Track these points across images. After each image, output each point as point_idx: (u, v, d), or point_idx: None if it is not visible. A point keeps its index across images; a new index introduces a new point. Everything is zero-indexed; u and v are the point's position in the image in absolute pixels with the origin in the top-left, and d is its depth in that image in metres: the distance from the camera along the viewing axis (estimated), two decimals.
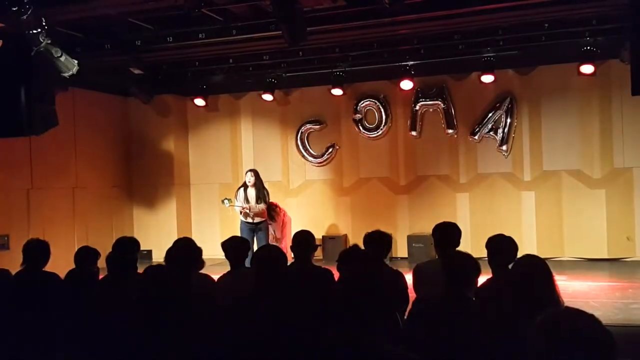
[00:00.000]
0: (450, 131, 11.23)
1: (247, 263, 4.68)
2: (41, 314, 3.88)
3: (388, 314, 3.86)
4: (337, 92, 11.17)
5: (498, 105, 10.94)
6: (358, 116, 11.72)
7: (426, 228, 9.58)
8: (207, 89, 12.12)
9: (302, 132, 12.06)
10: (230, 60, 10.45)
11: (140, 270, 4.91)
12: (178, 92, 12.46)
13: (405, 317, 4.03)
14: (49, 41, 6.91)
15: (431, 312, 3.42)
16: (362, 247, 4.69)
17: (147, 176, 12.51)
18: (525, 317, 2.06)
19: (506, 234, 4.53)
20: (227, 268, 4.91)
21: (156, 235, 11.85)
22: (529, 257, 3.39)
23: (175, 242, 4.47)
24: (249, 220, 9.51)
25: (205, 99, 12.13)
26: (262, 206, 9.47)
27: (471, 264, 3.43)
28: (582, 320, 1.74)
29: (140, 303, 3.44)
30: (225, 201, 10.08)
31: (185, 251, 4.28)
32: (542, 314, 1.80)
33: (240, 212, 9.63)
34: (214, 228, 12.05)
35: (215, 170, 12.59)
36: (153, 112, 12.43)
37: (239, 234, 8.29)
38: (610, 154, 10.46)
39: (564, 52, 9.97)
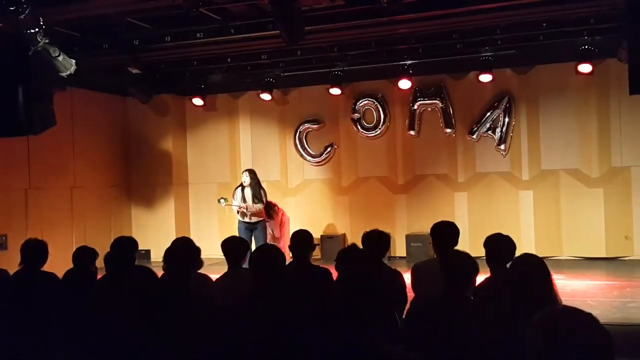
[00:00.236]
0: (448, 130, 11.24)
1: (246, 264, 4.68)
2: (39, 314, 3.88)
3: (386, 313, 3.86)
4: (335, 91, 11.18)
5: (496, 104, 10.95)
6: (356, 115, 11.72)
7: (424, 227, 9.59)
8: (206, 89, 12.12)
9: (300, 132, 12.06)
10: (229, 60, 10.45)
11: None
12: (176, 92, 12.45)
13: (404, 316, 4.03)
14: (47, 41, 6.91)
15: (430, 311, 3.42)
16: (361, 247, 4.69)
17: (146, 176, 12.51)
18: (524, 316, 2.06)
19: (504, 233, 4.53)
20: (226, 267, 4.91)
21: (154, 235, 11.85)
22: (527, 256, 3.39)
23: (174, 242, 4.47)
24: (246, 219, 9.53)
25: (203, 99, 12.13)
26: (259, 206, 9.47)
27: (469, 263, 3.43)
28: (580, 319, 1.74)
29: (139, 303, 3.45)
30: (222, 200, 10.11)
31: (184, 251, 4.28)
32: (540, 313, 1.81)
33: (238, 212, 9.65)
34: (212, 227, 12.04)
35: (213, 170, 12.59)
36: (151, 111, 12.43)
37: (236, 234, 8.29)
38: (608, 153, 10.47)
39: (562, 51, 9.98)
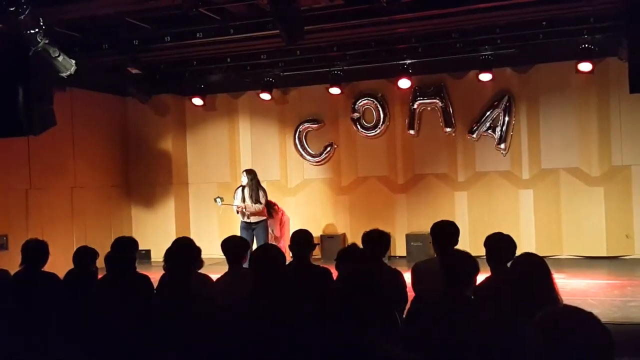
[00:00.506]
0: (448, 130, 11.24)
1: (246, 264, 4.68)
2: (40, 314, 3.88)
3: (387, 313, 3.85)
4: (335, 91, 11.17)
5: (496, 103, 10.94)
6: (356, 115, 11.72)
7: (424, 227, 9.57)
8: (205, 88, 12.11)
9: (300, 131, 12.06)
10: (228, 60, 10.45)
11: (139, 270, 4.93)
12: (176, 92, 12.45)
13: (404, 316, 4.03)
14: (47, 41, 6.91)
15: (430, 311, 3.42)
16: (361, 246, 4.69)
17: (146, 176, 12.51)
18: (524, 316, 2.06)
19: (504, 232, 4.53)
20: (226, 267, 4.91)
21: (155, 235, 11.86)
22: (528, 256, 3.39)
23: (175, 242, 4.47)
24: (247, 219, 9.55)
25: (203, 99, 12.13)
26: (258, 206, 9.48)
27: (470, 263, 3.43)
28: (580, 318, 1.74)
29: (139, 303, 3.45)
30: (218, 199, 10.14)
31: (185, 251, 4.28)
32: (540, 312, 1.81)
33: (237, 212, 9.67)
34: (212, 227, 12.04)
35: (213, 170, 12.59)
36: (151, 111, 12.43)
37: (237, 234, 8.29)
38: (608, 152, 10.47)
39: (562, 50, 9.97)
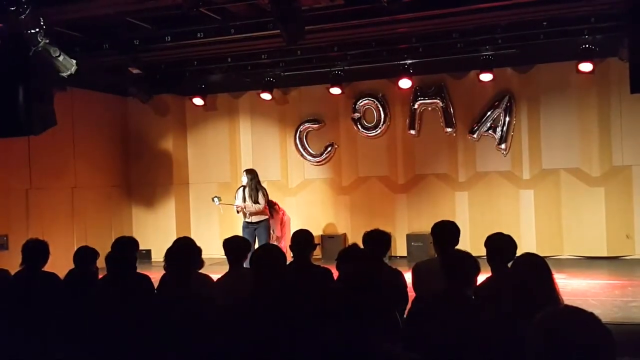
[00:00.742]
0: (449, 130, 11.24)
1: (247, 264, 4.68)
2: (41, 314, 3.88)
3: (387, 313, 3.86)
4: (335, 91, 11.17)
5: (497, 103, 10.94)
6: (357, 115, 11.72)
7: (425, 227, 9.57)
8: (206, 88, 12.12)
9: (300, 131, 12.06)
10: (229, 60, 10.44)
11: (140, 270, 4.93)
12: (176, 92, 12.45)
13: (405, 316, 4.03)
14: (48, 41, 6.90)
15: (431, 311, 3.42)
16: (361, 246, 4.69)
17: (146, 176, 12.51)
18: (525, 316, 2.06)
19: (505, 232, 4.53)
20: (226, 267, 4.91)
21: (155, 235, 11.86)
22: (529, 256, 3.39)
23: (175, 242, 4.47)
24: (248, 219, 9.56)
25: (203, 98, 12.13)
26: (257, 206, 9.47)
27: (470, 263, 3.43)
28: (581, 318, 1.74)
29: (139, 303, 3.45)
30: (215, 199, 10.15)
31: (185, 251, 4.28)
32: (541, 312, 1.80)
33: (238, 211, 9.68)
34: (212, 227, 12.05)
35: (214, 170, 12.59)
36: (152, 111, 12.43)
37: (238, 233, 8.29)
38: (609, 152, 10.46)
39: (563, 50, 9.97)
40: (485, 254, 4.41)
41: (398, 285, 4.55)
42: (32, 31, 6.70)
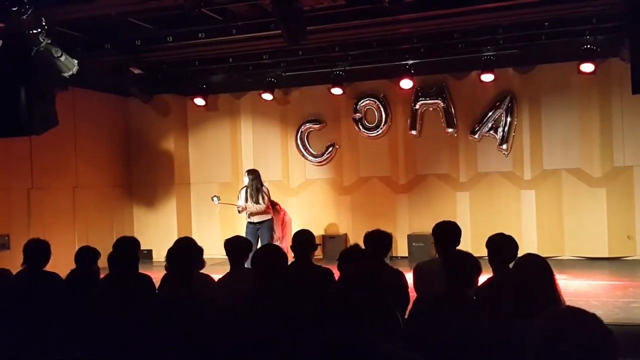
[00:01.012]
0: (450, 130, 11.23)
1: (248, 264, 4.68)
2: (42, 314, 3.88)
3: (388, 313, 3.85)
4: (337, 91, 11.17)
5: (498, 104, 10.93)
6: (358, 115, 11.72)
7: (426, 227, 9.57)
8: (207, 89, 12.12)
9: (302, 132, 12.06)
10: (230, 60, 10.45)
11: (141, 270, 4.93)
12: (178, 92, 12.46)
13: (406, 316, 4.03)
14: (49, 41, 6.91)
15: (432, 311, 3.42)
16: (363, 247, 4.69)
17: (147, 176, 12.51)
18: (526, 317, 2.06)
19: (506, 233, 4.53)
20: (228, 267, 4.91)
21: (156, 235, 11.86)
22: (530, 256, 3.39)
23: (176, 242, 4.47)
24: (250, 219, 9.57)
25: (205, 99, 12.14)
26: (259, 206, 9.47)
27: (472, 263, 3.43)
28: (583, 319, 1.74)
29: (140, 303, 3.45)
30: (215, 198, 10.15)
31: (187, 251, 4.28)
32: (543, 313, 1.80)
33: (239, 211, 9.68)
34: (213, 227, 12.05)
35: (215, 170, 12.60)
36: (153, 111, 12.43)
37: (239, 233, 8.29)
38: (610, 153, 10.45)
39: (564, 50, 9.97)
40: (486, 255, 4.40)
41: (399, 286, 4.55)
42: (34, 31, 6.71)
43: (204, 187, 12.54)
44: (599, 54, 9.67)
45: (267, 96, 11.58)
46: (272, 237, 9.69)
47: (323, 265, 5.08)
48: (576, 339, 1.68)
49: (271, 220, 9.71)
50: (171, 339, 3.34)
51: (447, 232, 4.62)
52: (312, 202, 12.09)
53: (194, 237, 5.08)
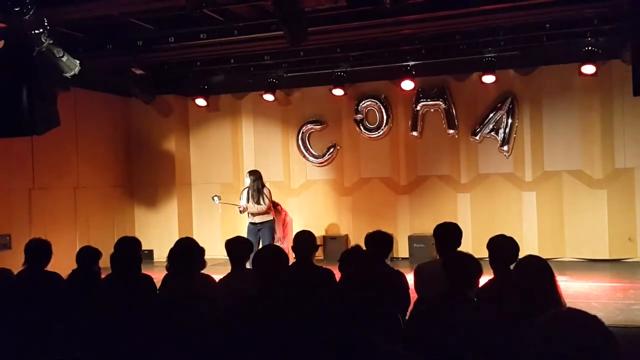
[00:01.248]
0: (451, 131, 11.23)
1: (249, 264, 4.69)
2: (43, 314, 3.89)
3: (389, 314, 3.86)
4: (338, 92, 11.18)
5: (499, 105, 10.93)
6: (359, 116, 11.72)
7: (427, 228, 9.59)
8: (209, 89, 12.13)
9: (303, 132, 12.07)
10: (232, 61, 10.46)
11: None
12: (179, 92, 12.47)
13: (407, 317, 4.03)
14: (51, 41, 6.91)
15: (433, 312, 3.42)
16: (364, 247, 4.69)
17: (149, 176, 12.52)
18: (527, 318, 2.06)
19: (507, 234, 4.52)
20: (229, 268, 4.91)
21: (157, 235, 11.87)
22: (531, 258, 3.39)
23: (178, 242, 4.48)
24: (251, 220, 9.58)
25: (206, 99, 12.15)
26: (260, 207, 9.48)
27: (473, 265, 3.43)
28: (584, 321, 1.74)
29: (142, 303, 3.45)
30: (215, 198, 10.16)
31: (188, 251, 4.29)
32: (543, 314, 1.80)
33: (241, 212, 9.69)
34: (215, 228, 12.05)
35: (216, 170, 12.60)
36: (154, 112, 12.44)
37: (240, 234, 8.30)
38: (611, 154, 10.45)
39: (565, 52, 9.97)
40: (487, 256, 4.41)
41: (400, 287, 4.56)
42: (36, 32, 6.71)
43: (205, 188, 12.54)
44: (600, 56, 9.67)
45: (269, 97, 11.59)
46: (273, 238, 9.69)
47: (324, 266, 5.08)
48: (577, 341, 1.68)
49: (272, 221, 9.72)
50: (172, 339, 3.34)
51: (448, 233, 4.63)
52: (313, 202, 12.09)
53: (195, 237, 5.09)
